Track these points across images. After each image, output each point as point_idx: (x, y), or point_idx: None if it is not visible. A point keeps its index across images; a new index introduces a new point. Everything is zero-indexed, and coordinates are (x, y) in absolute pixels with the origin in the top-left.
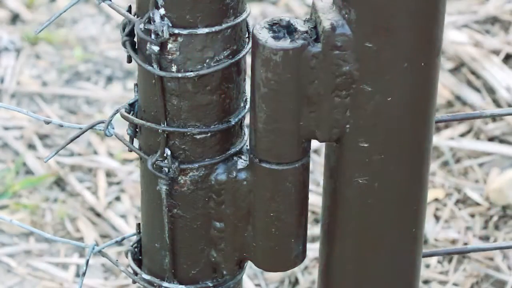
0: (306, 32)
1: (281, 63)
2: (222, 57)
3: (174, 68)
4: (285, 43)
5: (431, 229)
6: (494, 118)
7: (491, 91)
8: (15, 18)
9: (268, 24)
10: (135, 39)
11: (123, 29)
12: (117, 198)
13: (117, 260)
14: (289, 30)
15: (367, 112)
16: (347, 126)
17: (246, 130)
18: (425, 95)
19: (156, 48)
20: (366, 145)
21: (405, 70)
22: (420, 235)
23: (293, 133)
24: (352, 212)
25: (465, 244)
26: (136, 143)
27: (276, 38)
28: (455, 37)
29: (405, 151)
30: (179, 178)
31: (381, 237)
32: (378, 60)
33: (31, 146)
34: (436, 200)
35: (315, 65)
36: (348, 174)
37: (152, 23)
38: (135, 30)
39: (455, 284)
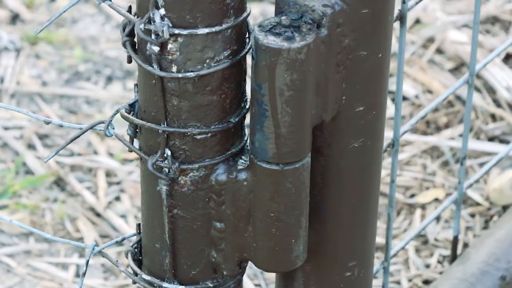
0: (306, 22)
1: (305, 60)
2: (222, 57)
3: (174, 69)
4: (303, 39)
5: (431, 229)
6: (494, 118)
7: (491, 91)
8: (15, 18)
9: (267, 30)
10: (135, 39)
11: (123, 29)
12: (117, 198)
13: (117, 260)
14: (293, 28)
15: (363, 76)
16: (343, 97)
17: (246, 130)
18: (391, 40)
19: (156, 49)
20: (361, 108)
21: (389, 22)
22: None
23: (309, 125)
24: (347, 178)
25: (465, 244)
26: (136, 143)
27: (289, 38)
28: (455, 37)
29: (384, 98)
30: (179, 178)
31: (369, 190)
32: (372, 22)
33: (31, 146)
34: (436, 200)
35: (323, 49)
36: (343, 144)
37: (152, 23)
38: (135, 30)
39: None
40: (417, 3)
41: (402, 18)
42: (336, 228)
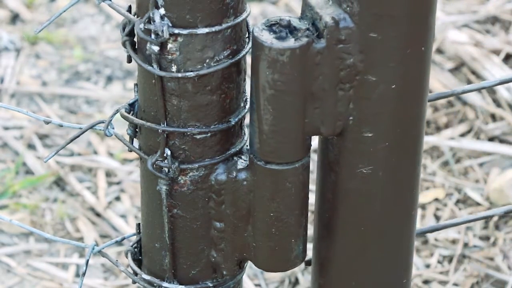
0: (308, 29)
1: (288, 63)
2: (222, 57)
3: (174, 68)
4: (291, 43)
5: None
6: (494, 118)
7: (491, 91)
8: (15, 18)
9: (267, 26)
10: (135, 39)
11: (123, 29)
12: (117, 198)
13: (117, 260)
14: (290, 29)
15: (372, 102)
16: (350, 118)
17: (246, 130)
18: (423, 78)
19: (156, 48)
20: (370, 134)
21: (408, 56)
22: (416, 216)
23: (299, 131)
24: (355, 202)
25: (465, 244)
26: (136, 143)
27: (280, 38)
28: (455, 37)
29: (406, 135)
30: (179, 178)
31: (384, 224)
32: (383, 49)
33: (31, 146)
34: (436, 200)
35: (319, 61)
36: (351, 166)
37: (152, 23)
38: (135, 30)
39: (455, 284)
40: None
41: None
42: (344, 251)
